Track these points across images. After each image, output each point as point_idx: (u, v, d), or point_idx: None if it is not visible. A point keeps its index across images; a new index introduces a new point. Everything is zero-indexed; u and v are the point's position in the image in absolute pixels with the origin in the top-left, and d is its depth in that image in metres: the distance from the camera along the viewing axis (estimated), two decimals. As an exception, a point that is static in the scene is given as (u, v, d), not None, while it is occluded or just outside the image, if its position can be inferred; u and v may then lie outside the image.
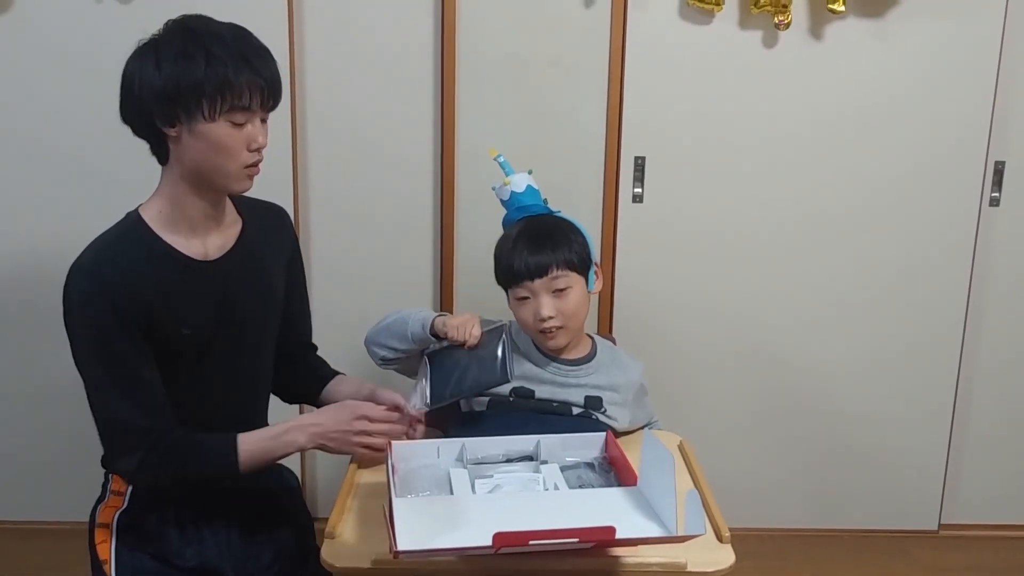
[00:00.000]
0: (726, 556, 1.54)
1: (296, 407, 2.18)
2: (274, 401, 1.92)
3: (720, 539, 1.58)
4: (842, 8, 2.48)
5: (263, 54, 1.59)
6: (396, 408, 1.74)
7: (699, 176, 2.62)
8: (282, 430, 1.66)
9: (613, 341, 2.20)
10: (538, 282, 1.90)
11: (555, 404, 1.91)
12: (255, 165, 1.63)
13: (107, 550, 1.69)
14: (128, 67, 1.58)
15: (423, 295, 2.70)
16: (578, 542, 1.45)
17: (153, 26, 1.61)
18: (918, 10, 2.52)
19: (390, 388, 1.83)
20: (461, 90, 2.56)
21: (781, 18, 2.48)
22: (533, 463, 1.73)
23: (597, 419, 1.91)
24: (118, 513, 1.71)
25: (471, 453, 1.73)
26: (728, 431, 2.79)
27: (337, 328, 2.70)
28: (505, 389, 1.91)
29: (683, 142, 2.60)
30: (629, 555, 1.52)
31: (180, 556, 1.70)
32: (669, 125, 2.59)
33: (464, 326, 1.85)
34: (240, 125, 1.58)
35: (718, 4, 2.48)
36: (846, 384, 2.78)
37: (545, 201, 2.00)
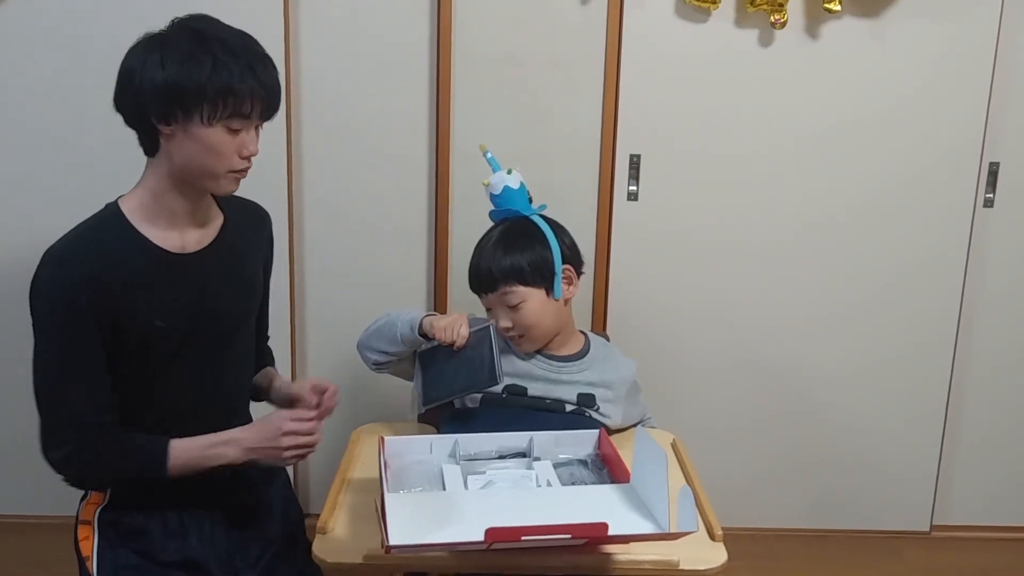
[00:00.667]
0: (718, 554, 1.54)
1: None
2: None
3: (712, 537, 1.58)
4: (838, 8, 2.48)
5: (268, 64, 1.60)
6: (320, 390, 1.74)
7: (694, 174, 2.62)
8: (214, 441, 1.65)
9: (607, 338, 2.20)
10: (491, 296, 1.92)
11: (548, 402, 1.91)
12: (243, 171, 1.64)
13: (89, 546, 1.69)
14: (130, 59, 1.58)
15: (417, 294, 2.70)
16: (570, 538, 1.45)
17: (150, 15, 1.60)
18: (914, 10, 2.52)
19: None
20: (457, 88, 2.56)
21: (777, 17, 2.48)
22: (526, 460, 1.73)
23: (590, 416, 1.91)
24: (99, 510, 1.70)
25: (464, 449, 1.73)
26: (721, 430, 2.79)
27: (331, 327, 2.71)
28: (498, 387, 1.91)
29: (678, 140, 2.60)
30: (621, 552, 1.52)
31: (163, 551, 1.69)
32: (665, 123, 2.59)
33: (451, 327, 1.85)
34: (235, 131, 1.58)
35: (714, 2, 2.48)
36: (840, 385, 2.78)
37: (530, 200, 1.99)
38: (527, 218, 1.96)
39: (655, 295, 2.70)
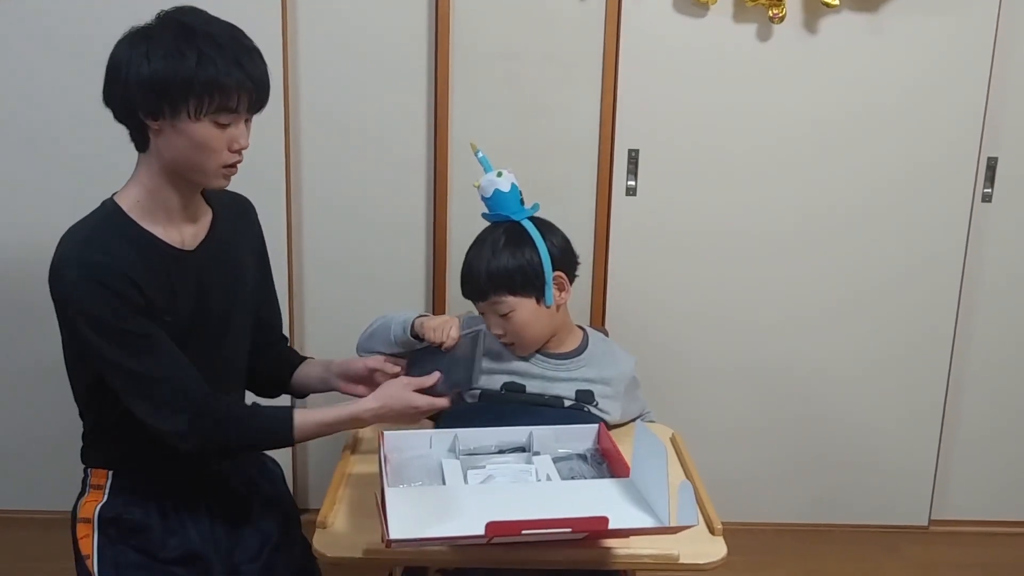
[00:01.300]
0: (718, 549, 1.55)
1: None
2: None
3: (712, 532, 1.58)
4: (836, 2, 2.48)
5: (255, 57, 1.58)
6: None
7: (693, 169, 2.62)
8: (342, 417, 1.69)
9: (606, 333, 2.20)
10: (481, 304, 1.92)
11: (547, 398, 1.90)
12: (234, 165, 1.62)
13: (89, 545, 1.68)
14: (117, 52, 1.56)
15: (416, 291, 2.70)
16: (571, 532, 1.45)
17: (144, 11, 1.59)
18: (912, 5, 2.52)
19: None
20: (455, 84, 2.55)
21: (775, 11, 2.48)
22: (525, 454, 1.73)
23: (589, 411, 1.91)
24: (99, 507, 1.69)
25: (463, 444, 1.73)
26: (719, 425, 2.79)
27: (329, 323, 2.71)
28: (496, 383, 1.91)
29: (677, 135, 2.60)
30: (621, 546, 1.52)
31: (163, 547, 1.69)
32: (663, 118, 2.59)
33: (442, 328, 1.83)
34: (224, 126, 1.57)
35: (712, -2, 2.48)
36: (838, 380, 2.78)
37: (522, 201, 1.96)
38: (518, 223, 1.93)
39: (653, 290, 2.70)
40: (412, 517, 1.47)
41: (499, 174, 1.93)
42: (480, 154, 1.96)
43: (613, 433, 1.78)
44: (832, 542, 2.84)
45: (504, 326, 1.89)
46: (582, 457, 1.73)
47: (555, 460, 1.70)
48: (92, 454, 1.74)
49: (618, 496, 1.57)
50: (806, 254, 2.69)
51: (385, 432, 1.71)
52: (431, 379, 1.72)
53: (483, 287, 1.89)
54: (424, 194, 2.63)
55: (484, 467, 1.68)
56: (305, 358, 1.96)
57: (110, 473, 1.71)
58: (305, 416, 1.66)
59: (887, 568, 2.74)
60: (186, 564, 1.70)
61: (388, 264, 2.68)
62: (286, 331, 2.65)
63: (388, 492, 1.48)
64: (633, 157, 2.60)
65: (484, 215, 1.98)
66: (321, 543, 1.53)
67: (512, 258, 1.88)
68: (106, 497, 1.70)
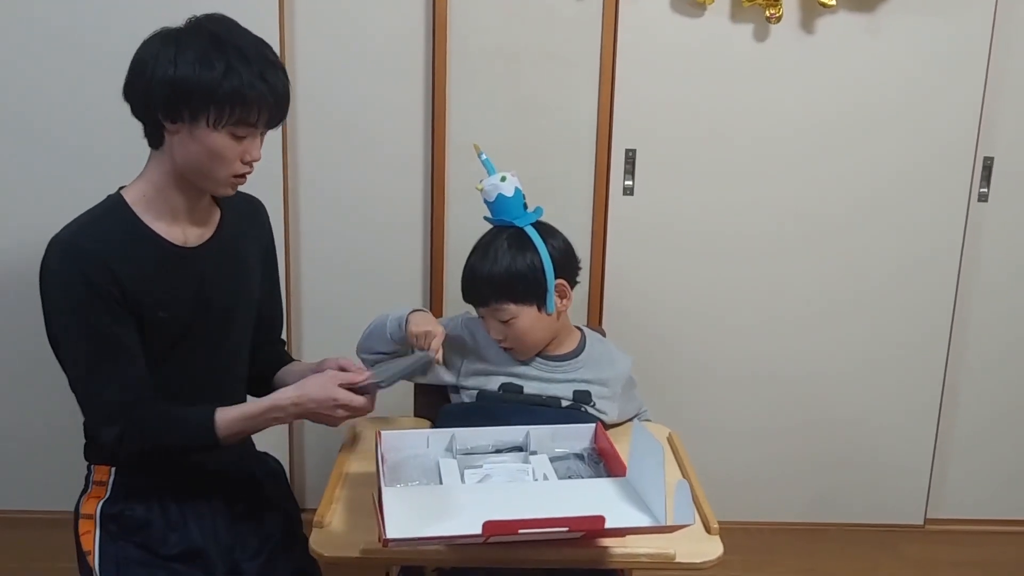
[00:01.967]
0: (714, 548, 1.55)
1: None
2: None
3: (708, 531, 1.58)
4: (833, 2, 2.48)
5: (280, 73, 1.60)
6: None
7: (690, 169, 2.63)
8: (264, 408, 1.66)
9: (603, 333, 2.20)
10: (482, 310, 1.92)
11: (544, 399, 1.91)
12: (243, 176, 1.64)
13: (91, 540, 1.69)
14: (144, 51, 1.58)
15: (413, 290, 2.70)
16: (568, 531, 1.45)
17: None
18: (909, 5, 2.53)
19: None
20: (452, 82, 2.55)
21: (772, 11, 2.49)
22: (522, 454, 1.73)
23: (586, 411, 1.91)
24: (101, 503, 1.70)
25: (460, 443, 1.73)
26: (716, 424, 2.79)
27: (327, 322, 2.71)
28: (494, 384, 1.91)
29: (674, 135, 2.60)
30: (618, 546, 1.52)
31: (165, 544, 1.70)
32: (660, 118, 2.59)
33: (424, 337, 1.82)
34: (240, 138, 1.59)
35: (710, -3, 2.49)
36: (834, 379, 2.79)
37: (525, 206, 1.94)
38: (521, 229, 1.91)
39: (650, 289, 2.70)
40: (409, 516, 1.47)
41: (503, 178, 1.90)
42: (484, 156, 1.95)
43: (610, 432, 1.78)
44: (828, 541, 2.85)
45: (505, 332, 1.90)
46: (579, 457, 1.73)
47: (552, 460, 1.70)
48: (94, 450, 1.74)
49: (615, 495, 1.57)
50: (802, 254, 2.69)
51: (382, 431, 1.71)
52: (360, 376, 1.68)
53: (485, 294, 1.89)
54: (422, 193, 2.63)
55: (481, 466, 1.68)
56: (294, 360, 1.96)
57: (112, 470, 1.71)
58: (227, 412, 1.65)
59: (883, 567, 2.75)
60: (187, 561, 1.70)
61: (386, 263, 2.68)
62: (284, 331, 2.65)
63: (385, 491, 1.48)
64: (630, 157, 2.60)
65: (486, 218, 1.97)
66: (318, 542, 1.53)
67: (515, 266, 1.87)
68: (108, 493, 1.71)
